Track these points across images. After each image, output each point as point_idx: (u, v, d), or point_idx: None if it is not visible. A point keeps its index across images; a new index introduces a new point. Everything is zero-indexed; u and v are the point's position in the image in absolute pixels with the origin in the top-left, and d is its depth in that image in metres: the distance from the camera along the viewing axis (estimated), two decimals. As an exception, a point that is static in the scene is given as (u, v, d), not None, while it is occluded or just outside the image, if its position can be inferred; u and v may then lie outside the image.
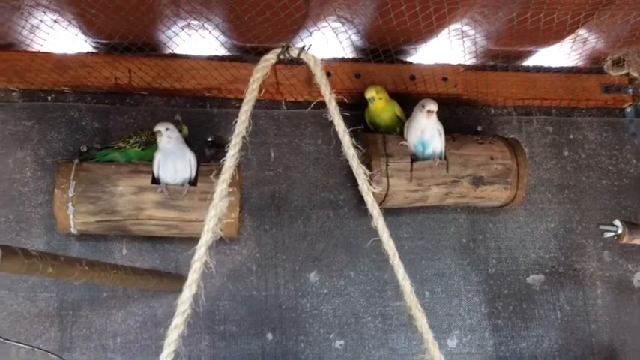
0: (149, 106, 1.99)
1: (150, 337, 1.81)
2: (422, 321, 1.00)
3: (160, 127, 1.75)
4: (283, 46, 1.01)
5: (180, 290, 1.85)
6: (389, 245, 1.02)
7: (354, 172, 1.06)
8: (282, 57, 1.02)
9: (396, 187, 1.82)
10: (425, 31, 1.82)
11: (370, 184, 1.03)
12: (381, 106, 1.89)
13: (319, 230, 1.98)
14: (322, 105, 2.06)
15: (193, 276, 0.96)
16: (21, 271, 1.26)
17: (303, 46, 1.02)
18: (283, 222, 1.97)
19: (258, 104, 2.05)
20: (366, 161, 1.84)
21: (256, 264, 1.93)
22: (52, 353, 1.46)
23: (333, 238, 1.99)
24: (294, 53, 1.00)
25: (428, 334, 1.01)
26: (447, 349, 1.96)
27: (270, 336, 1.88)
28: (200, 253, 0.96)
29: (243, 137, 1.01)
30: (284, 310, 1.91)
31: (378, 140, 1.85)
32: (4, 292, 1.77)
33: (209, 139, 1.97)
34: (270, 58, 0.99)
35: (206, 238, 0.96)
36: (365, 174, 1.04)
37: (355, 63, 2.05)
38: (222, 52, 2.05)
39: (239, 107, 1.99)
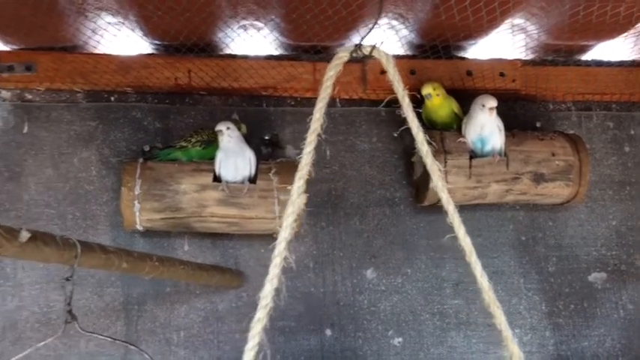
0: (208, 106, 2.02)
1: (212, 331, 1.85)
2: (501, 318, 0.99)
3: (221, 126, 1.78)
4: (356, 45, 1.01)
5: (239, 286, 1.90)
6: (465, 242, 1.02)
7: (429, 168, 1.06)
8: (354, 54, 1.03)
9: (454, 184, 1.80)
10: (487, 26, 1.81)
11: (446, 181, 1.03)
12: (438, 102, 1.88)
13: (375, 227, 1.98)
14: (376, 103, 2.08)
15: (274, 270, 0.97)
16: (98, 267, 1.31)
17: (375, 44, 1.02)
18: (340, 219, 1.98)
19: (313, 102, 2.07)
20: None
21: (314, 261, 1.95)
22: (131, 345, 1.50)
23: (390, 236, 1.98)
24: (366, 51, 1.00)
25: (507, 332, 1.00)
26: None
27: (328, 332, 1.89)
28: (280, 248, 0.97)
29: (319, 134, 1.02)
30: (342, 306, 1.92)
31: (435, 137, 1.84)
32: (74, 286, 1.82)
33: (266, 138, 2.00)
34: (344, 55, 0.99)
35: (285, 234, 0.97)
36: (439, 170, 1.04)
37: (410, 59, 2.04)
38: (276, 51, 2.08)
39: (294, 106, 2.06)
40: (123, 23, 1.84)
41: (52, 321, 1.80)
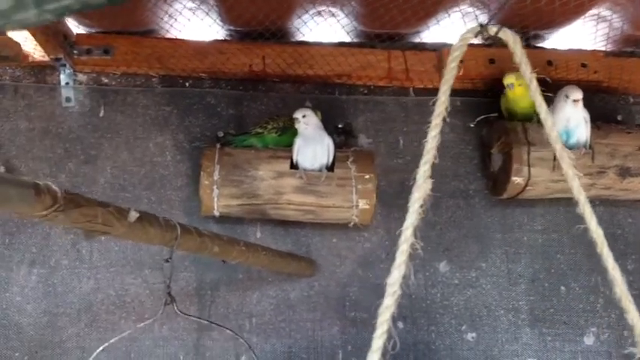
0: (280, 93, 2.01)
1: (284, 319, 1.84)
2: (634, 313, 0.95)
3: (297, 114, 1.76)
4: (481, 24, 0.97)
5: (311, 275, 1.88)
6: (597, 233, 0.97)
7: (557, 155, 1.02)
8: (479, 35, 0.99)
9: (537, 176, 1.75)
10: (572, 13, 1.75)
11: (575, 170, 0.99)
12: (519, 93, 1.83)
13: (449, 220, 1.95)
14: (451, 92, 2.04)
15: (401, 257, 0.95)
16: (193, 249, 1.30)
17: (501, 25, 0.98)
18: (413, 210, 1.94)
19: (387, 91, 2.06)
20: (506, 149, 1.79)
21: (386, 252, 1.92)
22: (228, 329, 1.50)
23: (463, 229, 1.94)
24: (492, 31, 0.96)
25: None
26: (583, 346, 1.88)
27: (400, 325, 1.86)
28: (407, 234, 0.94)
29: (444, 118, 0.99)
30: (414, 299, 1.89)
31: (517, 128, 1.79)
32: (147, 271, 1.83)
33: (339, 126, 1.97)
34: (467, 36, 0.96)
35: (411, 219, 0.94)
36: (569, 158, 1.00)
37: (489, 48, 1.99)
38: (349, 38, 2.05)
39: (367, 94, 2.03)
40: (199, 7, 1.83)
41: (127, 304, 1.81)
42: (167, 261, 1.21)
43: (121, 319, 1.80)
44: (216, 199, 1.73)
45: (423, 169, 0.95)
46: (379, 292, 1.86)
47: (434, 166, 1.98)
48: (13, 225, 1.81)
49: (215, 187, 1.72)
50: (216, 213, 1.76)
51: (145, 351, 1.78)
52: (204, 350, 1.79)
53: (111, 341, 1.32)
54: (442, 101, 0.95)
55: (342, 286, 1.88)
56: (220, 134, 1.92)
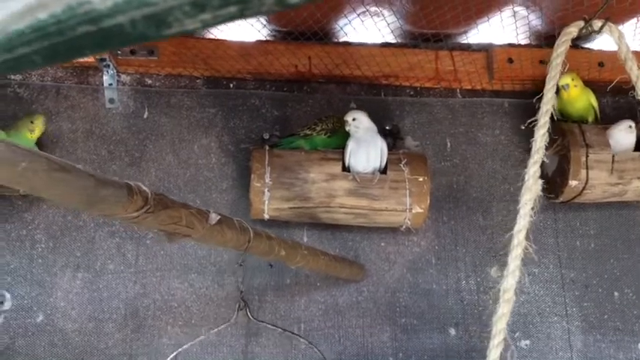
0: (325, 94, 1.97)
1: (332, 325, 1.79)
2: None
3: (347, 117, 1.72)
4: (585, 19, 0.94)
5: (360, 280, 1.83)
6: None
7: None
8: (583, 31, 0.96)
9: (595, 179, 1.71)
10: (630, 11, 1.71)
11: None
12: (575, 94, 1.79)
13: (500, 224, 1.90)
14: (499, 94, 2.00)
15: (515, 262, 0.91)
16: (261, 253, 1.26)
17: (607, 18, 0.95)
18: (462, 214, 1.91)
19: (433, 92, 2.02)
20: (563, 152, 1.75)
21: (435, 256, 1.88)
22: (301, 337, 1.47)
23: (514, 233, 1.90)
24: (596, 26, 0.92)
25: None
26: (637, 353, 1.83)
27: (452, 331, 1.82)
28: (519, 238, 0.91)
29: (551, 117, 0.95)
30: (466, 305, 1.84)
31: (574, 130, 1.75)
32: (194, 275, 1.79)
33: (387, 128, 1.93)
34: (572, 31, 0.92)
35: (523, 222, 0.90)
36: None
37: (539, 49, 1.95)
38: (394, 39, 2.01)
39: (414, 96, 1.99)
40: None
41: (174, 309, 1.76)
42: (240, 265, 1.17)
43: (168, 324, 1.75)
44: (267, 202, 1.68)
45: (533, 170, 0.91)
46: (430, 298, 1.84)
47: (484, 169, 1.96)
48: (57, 229, 1.77)
49: (266, 189, 1.68)
50: (266, 216, 1.72)
51: (193, 357, 1.73)
52: (253, 357, 1.75)
53: (184, 347, 1.27)
54: (549, 99, 0.91)
55: (392, 292, 1.84)
56: (266, 136, 1.88)
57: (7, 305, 1.18)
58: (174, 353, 1.30)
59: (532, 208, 0.95)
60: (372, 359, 1.77)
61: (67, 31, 0.28)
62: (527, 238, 0.94)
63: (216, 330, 1.33)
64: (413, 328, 1.82)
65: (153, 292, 1.77)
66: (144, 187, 0.92)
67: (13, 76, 1.86)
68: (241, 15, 0.26)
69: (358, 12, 1.86)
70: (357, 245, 1.86)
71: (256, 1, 0.25)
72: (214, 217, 1.03)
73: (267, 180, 1.68)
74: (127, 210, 0.87)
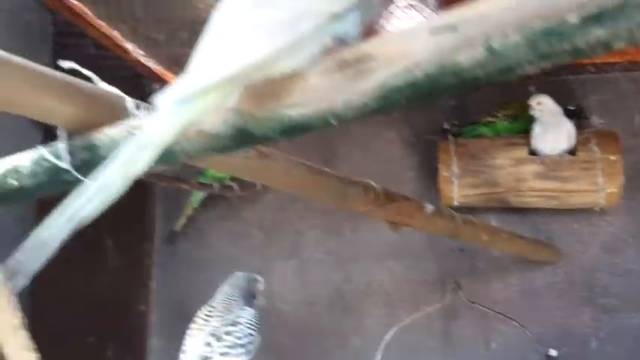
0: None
1: (530, 307, 1.83)
2: None
3: (531, 101, 1.75)
4: None
5: (555, 262, 1.85)
6: None
7: None
8: None
9: None
10: None
11: None
12: None
13: None
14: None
15: None
16: (467, 238, 1.36)
17: None
18: (658, 191, 1.83)
19: (617, 67, 1.95)
20: None
21: (631, 236, 1.83)
22: (512, 319, 1.56)
23: None
24: None
25: None
26: None
27: (657, 312, 1.77)
28: None
29: None
30: (670, 285, 1.78)
31: None
32: (391, 261, 1.94)
33: (570, 108, 1.91)
34: None
35: None
36: None
37: None
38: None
39: (595, 73, 1.94)
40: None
41: (376, 292, 1.93)
42: (461, 250, 1.28)
43: (372, 306, 1.92)
44: (456, 190, 1.77)
45: None
46: (631, 278, 1.80)
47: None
48: (268, 224, 2.02)
49: (454, 178, 1.77)
50: (455, 203, 1.80)
51: (394, 336, 1.88)
52: (452, 338, 1.85)
53: (394, 329, 1.42)
54: None
55: (589, 272, 1.83)
56: (446, 126, 1.96)
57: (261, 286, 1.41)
58: (392, 331, 1.45)
59: None
60: (573, 339, 1.79)
61: (434, 84, 0.40)
62: None
63: (430, 309, 1.46)
64: (614, 308, 1.79)
65: (355, 278, 1.95)
66: (373, 184, 1.06)
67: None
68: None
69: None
70: (547, 227, 1.88)
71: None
72: (430, 208, 1.15)
73: (455, 169, 1.77)
74: (363, 204, 1.02)
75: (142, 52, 1.72)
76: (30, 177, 0.70)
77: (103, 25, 1.55)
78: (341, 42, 0.47)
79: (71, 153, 0.65)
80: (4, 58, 0.55)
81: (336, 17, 0.45)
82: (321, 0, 0.45)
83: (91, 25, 1.52)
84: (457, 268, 1.90)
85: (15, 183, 0.72)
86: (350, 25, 0.47)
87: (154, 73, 1.89)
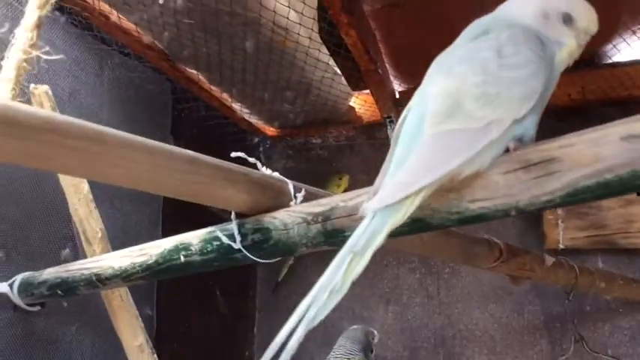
0: (602, 119, 1.96)
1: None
2: None
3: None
4: None
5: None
6: None
7: None
8: None
9: None
10: None
11: None
12: None
13: None
14: None
15: None
16: (584, 286, 1.34)
17: None
18: None
19: None
20: None
21: None
22: None
23: None
24: None
25: None
26: None
27: None
28: None
29: None
30: None
31: None
32: (493, 305, 1.91)
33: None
34: None
35: None
36: None
37: None
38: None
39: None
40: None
41: (478, 337, 1.91)
42: (568, 299, 1.27)
43: (475, 352, 1.90)
44: (561, 232, 1.75)
45: None
46: None
47: None
48: (368, 269, 2.04)
49: (560, 221, 1.74)
50: (561, 246, 1.78)
51: (503, 383, 1.85)
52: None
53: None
54: None
55: None
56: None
57: (376, 339, 1.43)
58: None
59: None
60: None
61: (625, 185, 0.43)
62: None
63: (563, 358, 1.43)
64: None
65: (457, 322, 1.94)
66: (496, 240, 1.07)
67: (314, 140, 2.22)
68: None
69: (624, 36, 1.85)
70: (662, 268, 1.81)
71: None
72: (549, 260, 1.15)
73: (560, 211, 1.74)
74: (489, 261, 1.04)
75: (247, 110, 1.82)
76: (199, 254, 0.77)
77: (214, 89, 1.66)
78: (519, 142, 0.50)
79: (242, 235, 0.72)
80: (200, 158, 0.62)
81: (518, 121, 0.49)
82: (510, 108, 0.49)
83: (204, 90, 1.63)
84: (564, 312, 1.85)
85: (183, 259, 0.79)
86: (528, 127, 0.50)
87: (256, 127, 1.99)
